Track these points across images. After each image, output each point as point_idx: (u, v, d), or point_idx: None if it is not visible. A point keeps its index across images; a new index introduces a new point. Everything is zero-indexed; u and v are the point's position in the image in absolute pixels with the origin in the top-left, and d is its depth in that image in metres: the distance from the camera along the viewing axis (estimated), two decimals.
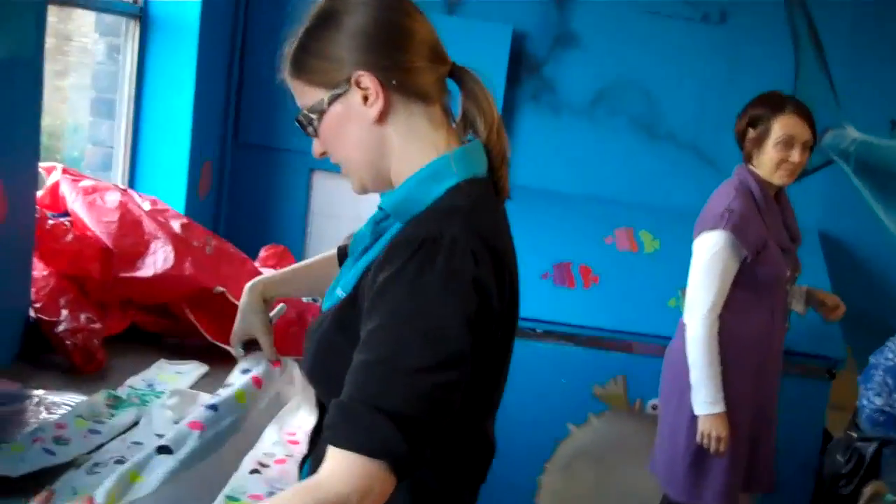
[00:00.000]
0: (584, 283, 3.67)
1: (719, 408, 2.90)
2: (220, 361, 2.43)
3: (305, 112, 1.41)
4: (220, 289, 2.51)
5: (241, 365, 2.14)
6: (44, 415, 1.95)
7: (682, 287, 3.65)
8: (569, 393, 3.60)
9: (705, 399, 2.90)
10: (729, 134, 4.01)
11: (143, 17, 3.49)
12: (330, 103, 1.39)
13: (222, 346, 2.50)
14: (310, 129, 1.41)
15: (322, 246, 3.79)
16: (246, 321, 2.02)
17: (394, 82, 1.38)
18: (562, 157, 4.08)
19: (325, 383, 1.44)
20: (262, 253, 3.07)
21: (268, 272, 2.83)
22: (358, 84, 1.37)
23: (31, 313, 2.39)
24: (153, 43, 3.53)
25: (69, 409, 1.99)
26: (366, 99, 1.37)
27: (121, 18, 3.48)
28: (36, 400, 2.03)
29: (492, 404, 1.47)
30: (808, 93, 3.98)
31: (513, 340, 1.46)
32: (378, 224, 1.44)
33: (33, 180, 2.39)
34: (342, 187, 4.11)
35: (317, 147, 1.44)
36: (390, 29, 1.40)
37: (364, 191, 1.45)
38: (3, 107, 2.18)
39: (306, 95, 1.41)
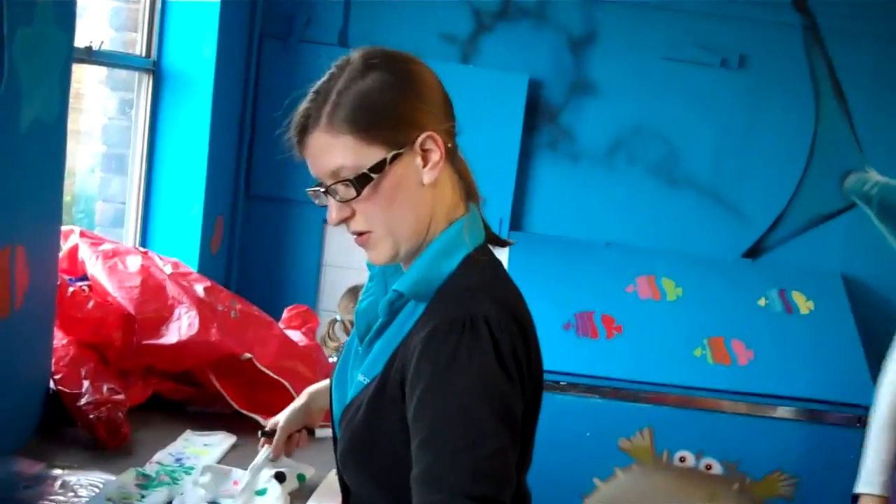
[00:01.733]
0: (608, 334, 3.59)
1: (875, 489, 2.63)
2: (247, 431, 2.35)
3: (363, 171, 1.30)
4: (248, 355, 2.43)
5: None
6: (71, 497, 1.87)
7: (708, 336, 3.60)
8: (594, 447, 3.51)
9: (865, 478, 2.65)
10: (749, 180, 3.98)
11: (156, 72, 3.44)
12: (391, 162, 1.32)
13: (249, 414, 2.43)
14: (360, 190, 1.31)
15: (336, 298, 3.71)
16: (284, 414, 2.03)
17: (449, 145, 1.37)
18: (580, 204, 4.02)
19: (359, 472, 1.43)
20: (286, 314, 2.99)
21: (292, 334, 2.77)
22: (422, 145, 1.34)
23: (52, 385, 2.31)
24: (166, 97, 3.48)
25: (96, 490, 1.90)
26: (425, 161, 1.35)
27: (133, 73, 3.43)
28: (60, 481, 1.94)
29: (523, 465, 1.47)
30: (829, 136, 3.94)
31: (541, 397, 1.47)
32: (393, 304, 1.39)
33: (55, 246, 2.32)
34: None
35: (338, 212, 1.35)
36: (431, 85, 1.38)
37: (391, 260, 1.39)
38: (28, 171, 2.11)
39: (352, 153, 1.31)
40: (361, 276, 3.81)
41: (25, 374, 2.21)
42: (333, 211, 1.35)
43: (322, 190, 1.36)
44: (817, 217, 3.99)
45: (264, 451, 2.00)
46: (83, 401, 2.24)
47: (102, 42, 3.07)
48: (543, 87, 3.96)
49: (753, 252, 4.03)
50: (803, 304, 3.76)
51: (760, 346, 3.57)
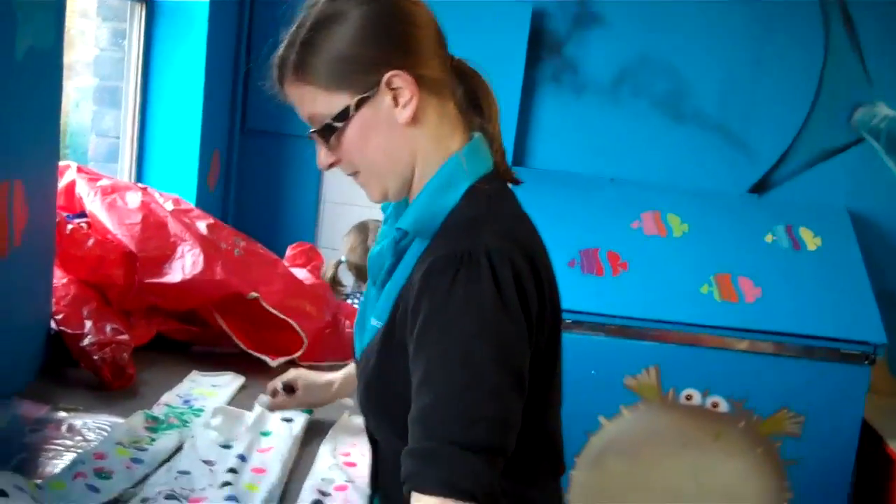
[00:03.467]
0: (613, 271, 3.54)
1: None
2: (255, 371, 2.31)
3: (327, 121, 1.31)
4: (255, 294, 2.36)
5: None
6: (78, 441, 1.81)
7: (714, 273, 3.55)
8: (599, 385, 3.47)
9: None
10: (758, 113, 3.90)
11: (149, 2, 3.32)
12: (358, 107, 1.31)
13: (256, 354, 2.37)
14: (331, 140, 1.33)
15: (335, 234, 3.65)
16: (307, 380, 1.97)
17: (424, 79, 1.32)
18: (584, 139, 3.94)
19: (378, 418, 1.41)
20: (289, 252, 2.92)
21: (298, 272, 2.70)
22: (388, 85, 1.30)
23: (52, 325, 2.24)
24: (159, 28, 3.37)
25: (105, 434, 1.84)
26: (396, 101, 1.31)
27: (125, 2, 3.31)
28: (67, 424, 1.88)
29: (548, 404, 1.42)
30: (838, 69, 3.86)
31: (560, 335, 1.42)
32: (398, 244, 1.37)
33: (54, 182, 2.23)
34: None
35: (325, 157, 1.36)
36: (404, 19, 1.33)
37: (384, 199, 1.40)
38: (25, 102, 2.01)
39: (320, 102, 1.32)
40: (362, 213, 3.76)
41: (25, 314, 2.14)
42: (319, 156, 1.37)
43: (309, 133, 1.38)
44: (825, 152, 3.92)
45: (263, 399, 1.98)
46: (86, 341, 2.17)
47: None
48: (546, 18, 3.86)
49: (760, 187, 3.96)
50: (810, 241, 3.70)
51: (768, 283, 3.52)
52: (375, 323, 1.37)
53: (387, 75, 1.29)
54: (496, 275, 1.21)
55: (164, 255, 2.39)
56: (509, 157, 3.94)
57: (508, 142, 3.81)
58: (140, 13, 3.32)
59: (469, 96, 1.42)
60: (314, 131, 1.34)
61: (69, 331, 2.20)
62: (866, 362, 3.39)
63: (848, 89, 3.88)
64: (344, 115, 1.30)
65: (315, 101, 1.32)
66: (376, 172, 1.35)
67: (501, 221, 1.31)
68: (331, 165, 1.37)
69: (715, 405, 3.44)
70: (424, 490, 1.15)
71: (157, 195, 2.60)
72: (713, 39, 3.87)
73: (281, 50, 1.35)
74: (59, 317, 2.23)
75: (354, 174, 1.37)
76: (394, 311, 1.32)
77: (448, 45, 1.40)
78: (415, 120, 1.32)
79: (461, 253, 1.23)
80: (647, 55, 3.89)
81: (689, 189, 3.88)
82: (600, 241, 3.61)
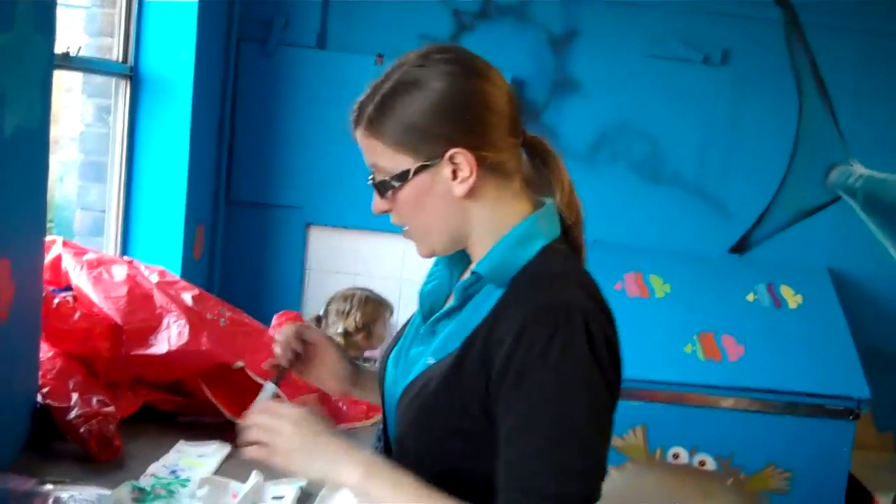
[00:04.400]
0: None
1: None
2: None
3: (386, 178, 1.37)
4: (241, 364, 2.38)
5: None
6: None
7: (698, 332, 3.59)
8: None
9: None
10: (734, 175, 3.97)
11: (133, 77, 3.38)
12: (417, 173, 1.36)
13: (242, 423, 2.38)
14: (386, 194, 1.38)
15: (320, 301, 3.66)
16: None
17: (486, 161, 1.35)
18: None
19: (420, 448, 1.38)
20: (275, 321, 2.94)
21: None
22: (450, 159, 1.35)
23: (39, 398, 2.25)
24: (144, 102, 3.42)
25: None
26: (455, 174, 1.35)
27: (109, 79, 3.36)
28: (53, 498, 1.88)
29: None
30: (813, 130, 3.94)
31: None
32: (468, 287, 1.38)
33: (40, 257, 2.26)
34: (339, 241, 4.01)
35: (378, 205, 1.41)
36: (480, 102, 1.36)
37: (432, 255, 1.45)
38: (12, 180, 2.05)
39: (384, 156, 1.37)
40: (346, 280, 3.78)
41: (11, 388, 2.15)
42: (375, 202, 1.41)
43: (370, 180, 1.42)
44: (803, 211, 3.98)
45: (269, 387, 1.56)
46: (72, 414, 2.18)
47: (80, 48, 3.02)
48: (525, 87, 3.93)
49: (740, 247, 4.01)
50: (791, 298, 3.75)
51: (751, 341, 3.55)
52: (430, 361, 1.37)
53: (450, 151, 1.34)
54: (590, 332, 1.25)
55: (150, 327, 2.41)
56: None
57: None
58: (125, 89, 3.38)
59: (539, 171, 1.46)
60: (373, 181, 1.40)
61: (55, 404, 2.21)
62: (851, 417, 3.41)
63: (823, 149, 3.95)
64: (403, 177, 1.36)
65: (379, 154, 1.37)
66: (425, 233, 1.40)
67: (582, 279, 1.36)
68: (380, 212, 1.42)
69: (702, 463, 3.45)
70: None
71: (142, 268, 2.63)
72: (689, 103, 3.94)
73: (363, 96, 1.39)
74: (46, 390, 2.24)
75: (403, 228, 1.42)
76: (464, 350, 1.32)
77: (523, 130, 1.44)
78: (471, 194, 1.36)
79: (556, 309, 1.26)
80: (624, 120, 3.96)
81: (670, 250, 3.93)
82: None
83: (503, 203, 1.39)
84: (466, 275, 1.42)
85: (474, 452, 1.32)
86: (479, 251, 1.40)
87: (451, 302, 1.41)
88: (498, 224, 1.39)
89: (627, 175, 3.99)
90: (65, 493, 1.89)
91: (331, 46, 3.93)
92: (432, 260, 1.51)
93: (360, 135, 1.39)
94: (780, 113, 3.93)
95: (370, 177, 1.40)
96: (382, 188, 1.38)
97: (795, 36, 3.89)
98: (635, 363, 3.46)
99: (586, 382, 1.24)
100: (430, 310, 1.45)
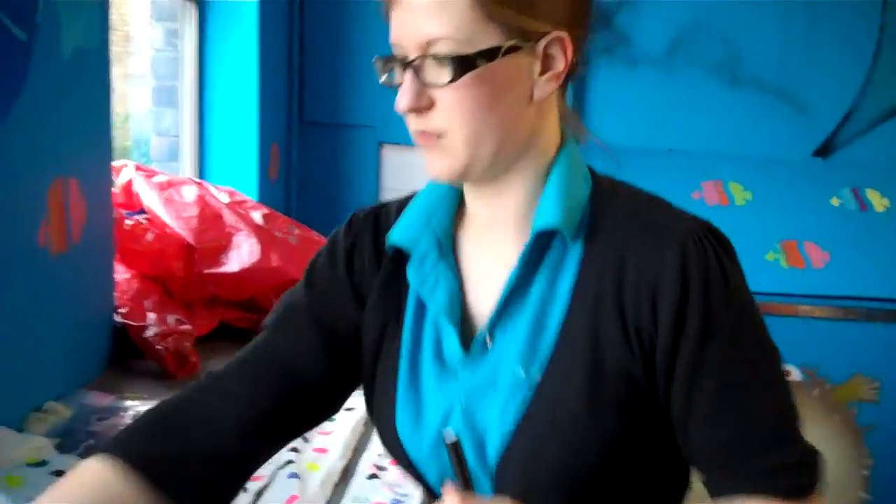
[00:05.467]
0: None
1: None
2: None
3: (467, 52, 0.97)
4: None
5: None
6: None
7: (780, 239, 3.49)
8: None
9: None
10: (817, 74, 3.82)
11: (200, 1, 3.37)
12: (506, 54, 0.98)
13: None
14: (457, 76, 0.97)
15: None
16: None
17: (579, 55, 1.04)
18: (640, 110, 3.89)
19: (570, 488, 1.02)
20: None
21: None
22: (550, 45, 1.01)
23: (117, 318, 2.30)
24: (212, 26, 3.42)
25: None
26: (545, 66, 1.01)
27: (177, 2, 3.36)
28: (133, 412, 1.93)
29: None
30: None
31: None
32: (533, 253, 1.04)
33: (107, 178, 2.28)
34: (412, 160, 3.98)
35: (415, 97, 0.99)
36: None
37: (453, 176, 1.03)
38: (74, 101, 2.06)
39: (464, 24, 0.97)
40: None
41: (90, 308, 2.20)
42: (408, 93, 0.99)
43: (401, 61, 1.01)
44: (889, 110, 3.82)
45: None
46: (149, 332, 2.22)
47: None
48: None
49: (824, 150, 3.88)
50: (878, 202, 3.62)
51: (835, 247, 3.45)
52: (523, 373, 1.02)
53: (553, 34, 1.00)
54: (734, 259, 1.03)
55: (221, 246, 2.44)
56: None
57: None
58: (192, 11, 3.37)
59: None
60: (429, 57, 0.98)
61: (133, 323, 2.25)
62: None
63: None
64: (490, 55, 0.97)
65: (454, 20, 0.97)
66: (476, 142, 1.00)
67: (668, 204, 1.07)
68: (414, 111, 1.01)
69: (787, 374, 3.38)
70: (813, 499, 0.99)
71: (212, 188, 2.64)
72: (766, 0, 3.79)
73: None
74: (123, 310, 2.28)
75: (432, 134, 1.01)
76: (581, 335, 1.00)
77: None
78: (543, 101, 1.03)
79: (701, 232, 1.00)
80: (699, 22, 3.83)
81: (750, 156, 3.82)
82: None
83: (550, 120, 1.06)
84: (499, 246, 1.07)
85: (641, 456, 1.02)
86: (516, 190, 1.06)
87: (503, 289, 1.04)
88: (543, 148, 1.06)
89: (704, 79, 3.86)
90: (143, 408, 1.94)
91: None
92: None
93: None
94: (864, 5, 3.75)
95: (403, 56, 1.01)
96: (461, 66, 0.97)
97: None
98: None
99: (756, 307, 1.03)
100: (458, 323, 1.06)
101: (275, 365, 1.14)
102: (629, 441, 1.00)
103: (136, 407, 1.94)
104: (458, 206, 1.12)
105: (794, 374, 3.38)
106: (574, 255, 1.03)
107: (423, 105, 1.00)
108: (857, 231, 3.51)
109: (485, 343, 1.04)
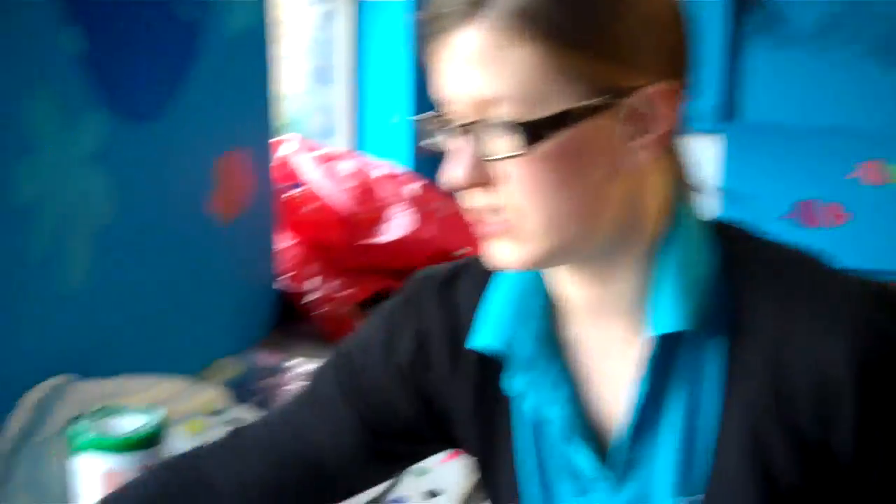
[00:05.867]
0: (835, 222, 3.43)
1: None
2: None
3: (532, 118, 0.75)
4: (466, 250, 2.45)
5: None
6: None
7: None
8: None
9: None
10: None
11: None
12: (581, 117, 0.76)
13: None
14: (530, 144, 0.75)
15: None
16: None
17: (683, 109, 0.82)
18: (796, 88, 3.81)
19: None
20: None
21: None
22: (641, 101, 0.78)
23: (281, 284, 2.41)
24: (367, 4, 3.51)
25: None
26: (639, 126, 0.78)
27: None
28: (297, 370, 2.03)
29: None
30: None
31: None
32: (660, 358, 0.83)
33: (270, 152, 2.40)
34: None
35: (472, 170, 0.78)
36: (684, 17, 0.82)
37: (527, 267, 0.83)
38: (238, 80, 2.17)
39: (532, 80, 0.75)
40: None
41: (256, 273, 2.31)
42: (465, 165, 0.79)
43: (452, 125, 0.80)
44: None
45: None
46: (311, 297, 2.32)
47: None
48: None
49: None
50: None
51: None
52: (686, 500, 0.84)
53: (649, 89, 0.78)
54: None
55: (378, 217, 2.52)
56: (717, 112, 3.91)
57: (716, 95, 3.75)
58: None
59: None
60: (492, 120, 0.77)
61: (296, 288, 2.36)
62: None
63: None
64: (567, 119, 0.76)
65: (523, 74, 0.75)
66: (545, 227, 0.79)
67: (826, 267, 0.84)
68: (472, 186, 0.79)
69: None
70: None
71: (370, 161, 2.73)
72: None
73: None
74: (288, 276, 2.39)
75: (489, 210, 0.80)
76: (751, 460, 0.81)
77: None
78: (643, 167, 0.81)
79: (882, 308, 0.79)
80: None
81: None
82: (817, 193, 3.51)
83: (655, 187, 0.83)
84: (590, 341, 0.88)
85: None
86: (624, 273, 0.84)
87: (637, 397, 0.85)
88: (649, 222, 0.83)
89: (864, 57, 3.75)
90: (308, 366, 2.04)
91: None
92: None
93: (475, 40, 0.76)
94: None
95: (453, 117, 0.79)
96: (536, 132, 0.75)
97: None
98: (874, 254, 3.33)
99: None
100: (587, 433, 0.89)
101: (295, 449, 1.00)
102: None
103: (301, 365, 2.04)
104: (547, 294, 0.91)
105: None
106: (716, 351, 0.82)
107: (484, 179, 0.79)
108: None
109: (625, 459, 0.86)
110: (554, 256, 0.81)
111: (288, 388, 1.93)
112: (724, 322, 0.82)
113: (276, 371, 2.01)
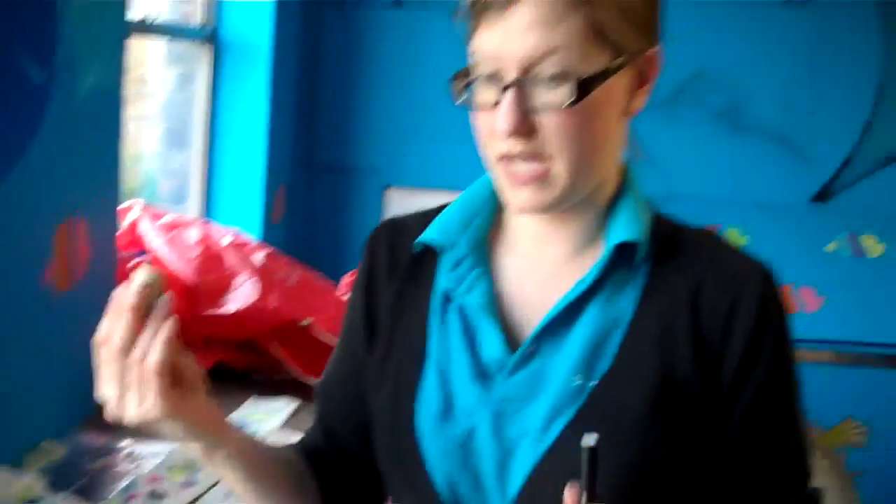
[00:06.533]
0: None
1: None
2: (310, 396, 2.39)
3: (585, 75, 0.94)
4: (309, 320, 2.47)
5: None
6: (136, 467, 1.92)
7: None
8: None
9: None
10: (818, 120, 3.87)
11: (214, 42, 3.47)
12: (613, 73, 0.97)
13: (306, 380, 2.47)
14: (580, 97, 0.95)
15: None
16: None
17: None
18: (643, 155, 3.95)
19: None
20: (345, 279, 3.02)
21: None
22: (644, 61, 1.02)
23: None
24: (225, 67, 3.51)
25: (162, 459, 1.95)
26: (642, 80, 1.03)
27: (191, 47, 3.46)
28: (126, 451, 2.00)
29: None
30: None
31: None
32: (608, 266, 1.02)
33: (115, 219, 2.37)
34: (417, 202, 4.02)
35: (520, 118, 0.95)
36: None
37: (552, 207, 1.01)
38: (87, 142, 2.15)
39: (578, 45, 0.95)
40: None
41: (89, 347, 2.26)
42: (513, 115, 0.95)
43: (499, 79, 0.97)
44: (887, 157, 3.86)
45: None
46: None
47: (159, 14, 3.11)
48: None
49: (823, 195, 3.92)
50: (874, 247, 3.66)
51: (830, 292, 3.50)
52: (579, 380, 1.00)
53: (655, 49, 1.03)
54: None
55: (222, 287, 2.51)
56: None
57: None
58: (206, 54, 3.47)
59: None
60: (542, 74, 0.95)
61: None
62: None
63: None
64: (602, 77, 0.96)
65: (566, 35, 0.95)
66: (581, 166, 0.98)
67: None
68: (518, 134, 0.96)
69: None
70: None
71: (216, 229, 2.72)
72: (768, 47, 3.84)
73: None
74: None
75: (525, 156, 0.98)
76: (647, 349, 1.01)
77: None
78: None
79: (772, 276, 1.06)
80: (703, 67, 3.89)
81: (749, 201, 3.86)
82: None
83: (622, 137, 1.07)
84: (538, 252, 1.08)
85: (682, 479, 1.02)
86: (584, 212, 1.05)
87: (564, 297, 1.02)
88: (615, 164, 1.07)
89: (706, 124, 3.91)
90: (137, 448, 2.01)
91: (407, 6, 3.96)
92: None
93: (535, 9, 0.94)
94: (864, 52, 3.79)
95: (516, 74, 0.96)
96: (585, 87, 0.95)
97: None
98: None
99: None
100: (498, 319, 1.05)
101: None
102: (680, 458, 1.00)
103: (129, 447, 2.01)
104: (497, 213, 1.11)
105: None
106: (638, 278, 1.03)
107: (528, 129, 0.96)
108: (852, 276, 3.56)
109: (530, 350, 1.02)
110: (569, 198, 1.00)
111: (116, 470, 1.89)
112: (653, 252, 1.03)
113: (104, 453, 1.97)
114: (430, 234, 1.09)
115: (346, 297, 2.79)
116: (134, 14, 2.85)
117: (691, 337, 1.00)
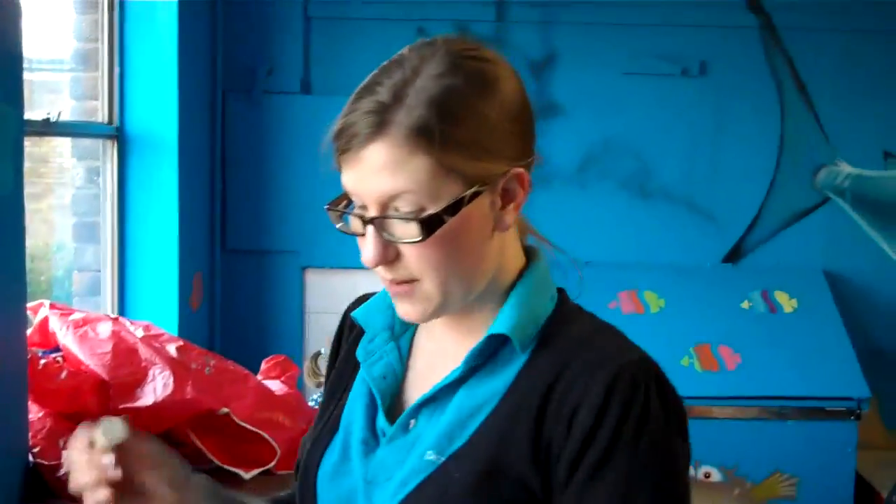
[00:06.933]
0: None
1: None
2: (229, 484, 2.34)
3: (433, 211, 1.01)
4: (225, 410, 2.43)
5: None
6: None
7: (694, 344, 3.59)
8: None
9: None
10: (722, 184, 3.99)
11: (120, 137, 3.45)
12: (465, 204, 1.01)
13: (230, 468, 2.43)
14: (428, 233, 1.01)
15: (321, 344, 3.71)
16: None
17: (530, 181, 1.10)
18: (555, 226, 3.98)
19: None
20: (264, 365, 2.99)
21: (272, 384, 2.76)
22: (509, 181, 1.05)
23: (30, 458, 2.31)
24: (132, 161, 3.49)
25: None
26: (505, 199, 1.06)
27: (97, 141, 3.44)
28: None
29: None
30: (796, 133, 3.96)
31: None
32: (479, 355, 1.09)
33: (22, 320, 2.33)
34: (336, 282, 4.04)
35: (380, 251, 1.03)
36: (531, 107, 1.11)
37: (430, 318, 1.09)
38: None
39: (426, 182, 1.00)
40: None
41: (2, 449, 2.21)
42: (373, 248, 1.03)
43: (362, 217, 1.04)
44: (793, 215, 3.99)
45: None
46: (63, 472, 2.23)
47: (61, 113, 3.08)
48: None
49: (733, 256, 4.02)
50: (787, 303, 3.75)
51: (747, 349, 3.56)
52: (434, 457, 1.06)
53: (512, 171, 1.05)
54: (677, 397, 1.08)
55: (136, 381, 2.47)
56: None
57: None
58: (112, 149, 3.45)
59: None
60: (396, 212, 1.02)
61: (47, 462, 2.26)
62: (852, 418, 3.40)
63: (808, 151, 3.96)
64: (456, 208, 1.01)
65: (416, 178, 1.00)
66: (449, 285, 1.05)
67: (620, 335, 1.11)
68: (382, 263, 1.04)
69: (707, 475, 3.45)
70: None
71: (127, 323, 2.69)
72: (671, 116, 3.96)
73: (373, 99, 1.02)
74: (37, 450, 2.30)
75: (406, 282, 1.06)
76: (493, 437, 1.04)
77: None
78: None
79: (640, 370, 1.04)
80: (608, 139, 3.99)
81: (663, 264, 3.94)
82: None
83: (511, 241, 1.12)
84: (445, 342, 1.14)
85: None
86: (481, 307, 1.11)
87: (443, 379, 1.10)
88: (505, 267, 1.11)
89: (616, 192, 4.01)
90: None
91: (316, 91, 4.00)
92: None
93: (378, 152, 1.00)
94: (763, 118, 3.94)
95: (364, 212, 1.04)
96: (430, 225, 1.01)
97: (772, 40, 3.92)
98: None
99: (678, 458, 1.06)
100: (388, 399, 1.14)
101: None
102: None
103: None
104: None
105: (714, 474, 3.45)
106: (516, 365, 1.07)
107: (391, 258, 1.04)
108: (768, 332, 3.63)
109: (407, 424, 1.10)
110: (447, 308, 1.07)
111: None
112: (532, 347, 1.08)
113: None
114: (356, 312, 1.20)
115: (265, 383, 2.77)
116: (34, 114, 2.84)
117: (533, 430, 1.03)
